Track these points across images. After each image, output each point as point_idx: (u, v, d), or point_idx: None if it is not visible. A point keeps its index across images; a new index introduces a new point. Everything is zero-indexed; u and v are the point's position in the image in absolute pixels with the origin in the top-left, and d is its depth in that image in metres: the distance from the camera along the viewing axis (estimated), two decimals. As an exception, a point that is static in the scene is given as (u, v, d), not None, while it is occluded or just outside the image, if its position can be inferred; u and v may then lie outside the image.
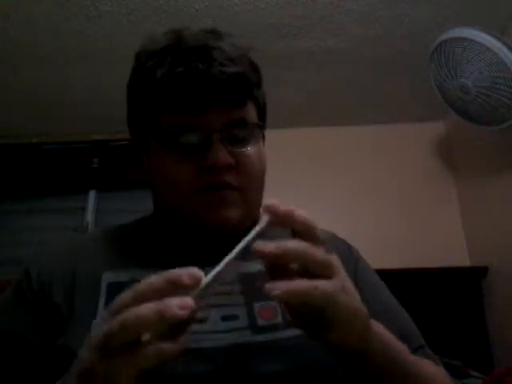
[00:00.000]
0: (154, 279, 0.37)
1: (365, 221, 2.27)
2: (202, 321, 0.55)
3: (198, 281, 0.36)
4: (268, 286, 0.39)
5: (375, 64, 2.05)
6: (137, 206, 1.66)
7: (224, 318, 0.56)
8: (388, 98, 2.30)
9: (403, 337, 0.54)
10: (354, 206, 2.31)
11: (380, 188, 2.37)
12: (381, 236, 2.22)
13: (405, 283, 1.87)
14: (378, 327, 0.49)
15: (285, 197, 0.48)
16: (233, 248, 0.43)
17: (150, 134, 0.63)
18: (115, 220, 0.76)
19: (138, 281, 0.58)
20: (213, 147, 0.58)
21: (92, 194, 2.49)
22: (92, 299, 0.57)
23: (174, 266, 0.60)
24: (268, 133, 0.68)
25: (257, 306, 0.58)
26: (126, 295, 0.38)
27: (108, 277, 0.59)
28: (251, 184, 0.62)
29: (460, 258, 2.24)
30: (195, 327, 0.40)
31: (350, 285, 0.44)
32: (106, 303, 0.56)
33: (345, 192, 2.35)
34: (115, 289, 0.58)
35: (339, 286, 0.42)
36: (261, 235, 0.42)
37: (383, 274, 0.75)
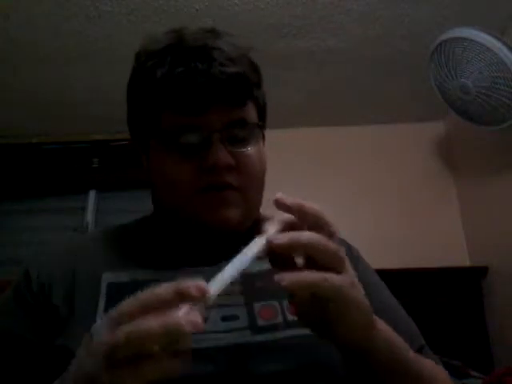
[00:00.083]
0: (161, 289, 0.36)
1: (365, 221, 2.26)
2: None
3: (204, 294, 0.36)
4: (277, 276, 0.40)
5: (375, 64, 2.04)
6: (137, 206, 1.66)
7: (224, 318, 0.56)
8: (388, 97, 2.30)
9: (403, 337, 0.54)
10: (354, 205, 2.31)
11: (380, 188, 2.37)
12: (381, 236, 2.22)
13: (405, 283, 1.87)
14: (382, 324, 0.49)
15: (285, 197, 0.48)
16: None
17: (150, 133, 0.63)
18: (115, 220, 0.76)
19: (138, 281, 0.58)
20: (213, 147, 0.58)
21: (92, 194, 2.49)
22: (92, 299, 0.57)
23: (174, 266, 0.60)
24: (268, 133, 0.68)
25: (257, 306, 0.58)
26: (130, 303, 0.37)
27: (108, 277, 0.59)
28: (251, 184, 0.62)
29: (460, 258, 2.24)
30: None
31: (356, 280, 0.44)
32: (106, 304, 0.56)
33: (345, 192, 2.35)
34: (115, 289, 0.58)
35: (348, 280, 0.43)
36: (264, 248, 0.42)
37: (383, 273, 0.75)
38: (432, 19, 1.79)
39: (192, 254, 0.62)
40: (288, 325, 0.57)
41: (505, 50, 1.54)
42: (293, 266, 0.43)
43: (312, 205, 0.44)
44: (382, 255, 1.69)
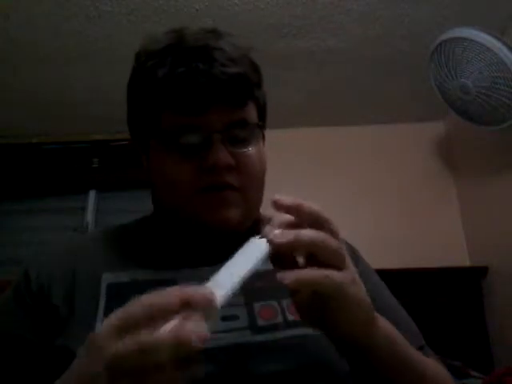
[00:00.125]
0: (167, 296, 0.35)
1: (365, 221, 2.26)
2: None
3: (211, 304, 0.35)
4: (279, 275, 0.40)
5: (375, 64, 2.04)
6: (137, 206, 1.66)
7: (224, 318, 0.56)
8: (388, 97, 2.30)
9: (404, 337, 0.54)
10: (354, 205, 2.31)
11: (380, 188, 2.37)
12: (381, 236, 2.22)
13: (405, 283, 1.87)
14: (383, 321, 0.50)
15: (285, 197, 0.48)
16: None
17: (150, 134, 0.63)
18: (115, 220, 0.76)
19: (138, 281, 0.58)
20: (213, 148, 0.58)
21: (92, 194, 2.49)
22: (92, 299, 0.57)
23: (174, 266, 0.60)
24: (268, 133, 0.68)
25: (257, 305, 0.58)
26: (136, 310, 0.35)
27: (108, 277, 0.59)
28: (251, 184, 0.62)
29: (460, 258, 2.24)
30: None
31: (357, 277, 0.45)
32: (106, 304, 0.56)
33: (345, 192, 2.35)
34: (115, 289, 0.58)
35: (349, 277, 0.43)
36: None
37: (383, 273, 0.75)
38: (432, 19, 1.79)
39: (192, 254, 0.62)
40: (288, 325, 0.57)
41: (505, 49, 1.54)
42: (294, 265, 0.43)
43: (311, 204, 0.44)
44: (381, 255, 1.69)
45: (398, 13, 1.77)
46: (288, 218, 0.45)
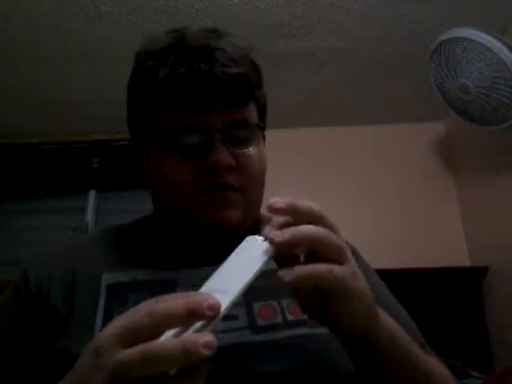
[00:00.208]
0: (172, 304, 0.34)
1: (365, 221, 2.26)
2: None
3: (217, 313, 0.34)
4: (280, 272, 0.40)
5: (375, 64, 2.04)
6: (137, 206, 1.66)
7: (223, 318, 0.56)
8: (388, 97, 2.30)
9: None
10: (354, 205, 2.31)
11: (380, 188, 2.37)
12: (381, 236, 2.22)
13: (405, 283, 1.87)
14: (384, 315, 0.50)
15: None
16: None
17: (150, 134, 0.63)
18: (115, 220, 0.76)
19: (138, 281, 0.58)
20: (214, 148, 0.58)
21: (92, 194, 2.49)
22: (92, 299, 0.57)
23: (174, 266, 0.60)
24: (268, 133, 0.68)
25: (256, 305, 0.58)
26: (140, 317, 0.34)
27: (108, 278, 0.59)
28: (252, 185, 0.62)
29: (460, 258, 2.24)
30: None
31: (358, 270, 0.45)
32: (106, 304, 0.56)
33: (345, 192, 2.35)
34: (115, 289, 0.58)
35: (350, 271, 0.43)
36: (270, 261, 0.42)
37: (383, 273, 0.75)
38: (432, 19, 1.79)
39: (192, 254, 0.62)
40: (288, 325, 0.57)
41: (505, 50, 1.54)
42: (295, 263, 0.43)
43: (304, 201, 0.44)
44: (382, 255, 1.69)
45: (397, 13, 1.77)
46: (287, 217, 0.45)
